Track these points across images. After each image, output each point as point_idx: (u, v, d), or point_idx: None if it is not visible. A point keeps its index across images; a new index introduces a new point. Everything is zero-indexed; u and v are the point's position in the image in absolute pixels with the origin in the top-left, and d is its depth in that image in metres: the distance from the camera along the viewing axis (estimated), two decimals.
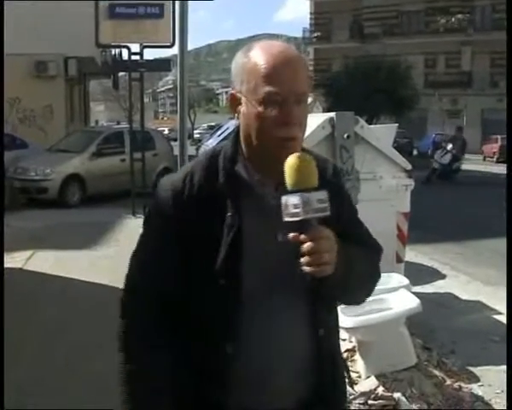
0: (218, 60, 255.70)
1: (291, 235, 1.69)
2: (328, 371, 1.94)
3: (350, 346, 5.52)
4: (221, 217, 1.83)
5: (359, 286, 1.99)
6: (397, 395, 4.72)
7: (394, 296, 5.38)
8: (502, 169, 23.53)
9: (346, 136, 6.46)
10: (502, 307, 7.21)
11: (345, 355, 5.41)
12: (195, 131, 57.87)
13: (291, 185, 1.68)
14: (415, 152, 40.08)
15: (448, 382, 5.28)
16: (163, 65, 18.34)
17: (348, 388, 4.72)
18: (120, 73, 26.12)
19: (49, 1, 20.34)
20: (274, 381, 1.85)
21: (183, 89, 8.28)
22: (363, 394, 4.76)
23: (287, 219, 1.68)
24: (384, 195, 6.82)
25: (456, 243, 12.19)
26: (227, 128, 20.40)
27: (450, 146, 24.19)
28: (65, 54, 22.72)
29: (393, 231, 6.94)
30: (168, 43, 13.96)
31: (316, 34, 56.36)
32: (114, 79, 26.54)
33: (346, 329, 5.14)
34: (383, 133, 7.46)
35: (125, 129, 18.59)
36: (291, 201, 1.66)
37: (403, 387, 4.87)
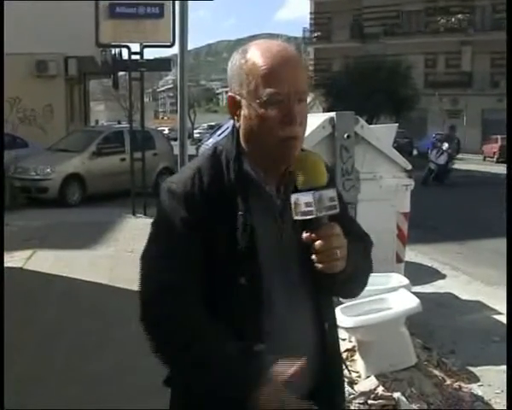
0: (218, 59, 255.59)
1: (305, 235, 1.72)
2: (332, 363, 1.96)
3: (350, 346, 5.52)
4: (232, 216, 1.84)
5: (358, 279, 2.02)
6: (397, 394, 4.72)
7: (394, 296, 5.38)
8: (502, 169, 23.51)
9: (346, 136, 6.47)
10: (502, 307, 7.21)
11: (345, 355, 5.41)
12: (195, 131, 57.88)
13: (302, 184, 1.72)
14: (415, 152, 40.10)
15: (448, 382, 5.28)
16: (163, 64, 18.35)
17: (348, 387, 4.74)
18: (120, 73, 26.13)
19: (50, 1, 20.30)
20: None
21: (183, 88, 8.29)
22: (362, 393, 4.76)
23: (298, 217, 1.71)
24: (384, 195, 6.82)
25: (457, 242, 12.19)
26: (227, 128, 20.31)
27: (446, 145, 23.51)
28: (65, 53, 22.71)
29: (393, 230, 6.95)
30: (168, 43, 13.96)
31: (316, 34, 56.34)
32: (114, 79, 26.55)
33: (346, 329, 5.14)
34: (383, 133, 7.47)
35: (125, 128, 18.59)
36: (303, 199, 1.69)
37: (403, 387, 4.87)
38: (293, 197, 1.71)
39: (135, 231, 11.67)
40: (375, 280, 5.35)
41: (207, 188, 1.86)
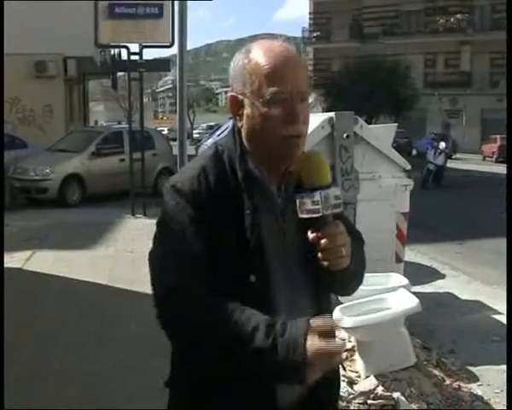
0: (218, 59, 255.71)
1: (311, 235, 1.74)
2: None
3: (349, 346, 5.52)
4: (239, 214, 1.84)
5: (356, 277, 2.05)
6: (396, 394, 4.72)
7: (393, 296, 5.38)
8: (501, 169, 23.54)
9: (345, 136, 6.47)
10: (501, 306, 7.22)
11: (344, 355, 5.41)
12: (195, 131, 57.82)
13: (307, 184, 1.74)
14: (414, 152, 40.12)
15: (447, 381, 5.28)
16: (162, 65, 18.33)
17: (348, 387, 4.74)
18: (119, 73, 26.14)
19: (49, 1, 20.29)
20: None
21: (182, 89, 8.29)
22: (362, 393, 4.76)
23: (304, 215, 1.72)
24: (383, 195, 6.82)
25: (456, 242, 12.20)
26: (226, 128, 20.36)
27: (443, 145, 23.10)
28: (64, 54, 22.70)
29: (393, 230, 6.95)
30: (167, 43, 13.97)
31: (315, 34, 56.36)
32: (113, 79, 26.54)
33: (346, 329, 5.14)
34: (382, 133, 7.47)
35: (124, 129, 18.58)
36: (309, 198, 1.72)
37: (402, 387, 4.87)
38: (299, 196, 1.73)
39: (134, 231, 11.68)
40: (375, 280, 5.37)
41: (214, 187, 1.86)
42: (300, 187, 1.79)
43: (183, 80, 8.33)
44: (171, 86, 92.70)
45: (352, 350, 5.46)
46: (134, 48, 14.54)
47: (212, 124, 55.46)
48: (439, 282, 9.16)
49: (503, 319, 6.82)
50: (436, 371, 5.39)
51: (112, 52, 25.49)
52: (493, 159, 39.53)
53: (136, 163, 14.62)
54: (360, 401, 4.69)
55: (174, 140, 13.43)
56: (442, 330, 6.88)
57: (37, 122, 22.89)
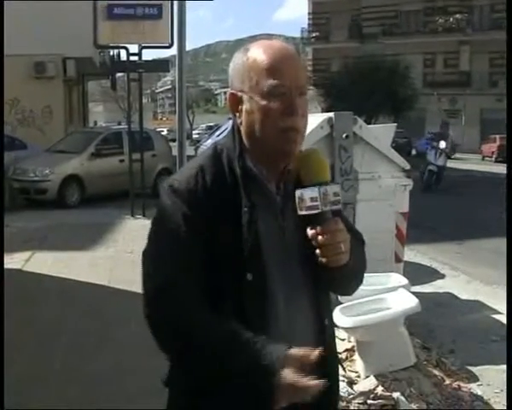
0: (217, 60, 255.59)
1: (310, 231, 1.75)
2: (328, 362, 1.95)
3: (349, 346, 5.52)
4: (237, 212, 1.85)
5: (356, 276, 2.05)
6: (396, 394, 4.73)
7: (393, 296, 5.38)
8: (501, 169, 23.54)
9: (344, 136, 6.47)
10: (501, 306, 7.22)
11: (344, 355, 5.41)
12: (194, 132, 57.78)
13: (306, 181, 1.75)
14: (413, 152, 40.12)
15: (447, 381, 5.28)
16: (161, 65, 18.33)
17: (347, 387, 4.74)
18: (119, 74, 26.14)
19: (48, 1, 20.27)
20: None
21: (181, 89, 8.29)
22: (362, 393, 4.77)
23: (303, 212, 1.73)
24: (383, 195, 6.82)
25: (456, 242, 12.20)
26: (226, 128, 20.37)
27: (443, 144, 21.55)
28: (63, 54, 22.69)
29: (392, 230, 6.94)
30: (166, 44, 13.97)
31: (314, 34, 56.38)
32: (112, 80, 26.54)
33: (345, 329, 5.15)
34: (382, 133, 7.47)
35: (123, 130, 18.58)
36: (308, 194, 1.72)
37: (402, 386, 4.87)
38: (298, 193, 1.74)
39: (134, 232, 11.67)
40: (374, 280, 5.37)
41: (211, 186, 1.87)
42: (300, 185, 1.79)
43: (183, 81, 8.32)
44: (170, 87, 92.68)
45: (351, 350, 5.46)
46: (133, 48, 14.57)
47: (211, 124, 55.47)
48: (439, 282, 9.16)
49: (503, 318, 6.82)
50: (436, 371, 5.39)
51: (111, 53, 25.53)
52: (492, 159, 39.55)
53: (136, 164, 14.62)
54: (360, 401, 4.69)
55: (173, 141, 13.44)
56: (442, 330, 6.88)
57: (37, 123, 22.88)
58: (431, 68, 51.87)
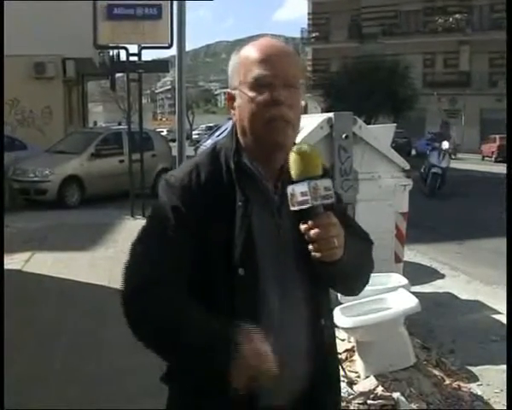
0: (217, 60, 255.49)
1: (302, 226, 1.73)
2: (328, 362, 1.96)
3: (349, 346, 5.52)
4: (231, 208, 1.86)
5: (357, 275, 2.04)
6: (396, 394, 4.72)
7: (393, 296, 5.38)
8: (501, 169, 23.53)
9: (344, 136, 6.47)
10: (501, 306, 7.22)
11: (344, 355, 5.42)
12: (194, 132, 57.79)
13: (297, 174, 1.73)
14: (413, 152, 40.10)
15: (447, 381, 5.28)
16: (161, 66, 18.32)
17: (347, 388, 4.74)
18: (118, 74, 26.07)
19: (48, 0, 20.26)
20: (284, 371, 1.85)
21: (181, 90, 8.29)
22: (362, 394, 4.77)
23: (294, 208, 1.72)
24: (382, 195, 6.83)
25: (456, 242, 12.19)
26: (225, 129, 20.36)
27: (446, 145, 20.22)
28: (63, 55, 22.68)
29: (392, 230, 6.95)
30: (166, 44, 13.98)
31: (314, 34, 56.37)
32: (112, 80, 26.53)
33: (345, 329, 5.15)
34: (381, 133, 7.47)
35: (123, 130, 18.59)
36: (298, 189, 1.71)
37: (402, 387, 4.87)
38: (290, 188, 1.73)
39: (134, 232, 11.55)
40: (374, 280, 5.35)
41: (206, 183, 1.89)
42: (291, 180, 1.78)
43: (182, 81, 8.32)
44: (170, 87, 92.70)
45: (351, 350, 5.46)
46: (133, 49, 14.59)
47: (211, 125, 55.51)
48: (439, 282, 9.16)
49: (503, 318, 6.82)
50: (436, 371, 5.39)
51: (111, 53, 25.48)
52: (492, 159, 39.54)
53: (136, 164, 14.63)
54: (360, 402, 4.69)
55: (173, 141, 13.42)
56: (442, 330, 6.88)
57: (37, 123, 22.88)
58: (431, 68, 51.86)
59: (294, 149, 1.76)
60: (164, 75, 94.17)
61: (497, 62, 42.23)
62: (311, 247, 1.73)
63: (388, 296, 5.38)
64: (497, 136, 37.86)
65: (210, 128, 47.22)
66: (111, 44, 16.46)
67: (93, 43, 14.84)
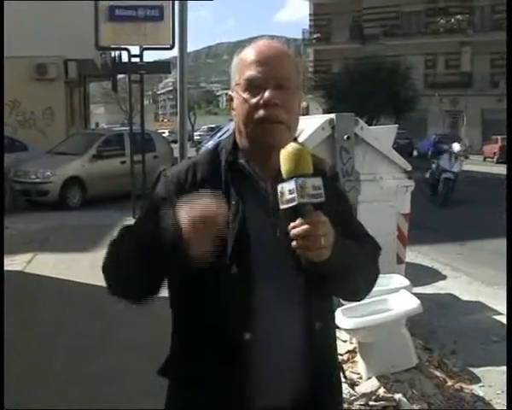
0: (218, 61, 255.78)
1: (290, 225, 1.70)
2: (322, 367, 1.94)
3: (351, 347, 5.53)
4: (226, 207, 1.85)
5: (358, 280, 2.00)
6: (398, 395, 4.72)
7: (395, 297, 5.39)
8: (502, 170, 23.46)
9: (346, 137, 6.47)
10: (502, 307, 7.21)
11: (346, 357, 5.42)
12: (195, 133, 57.91)
13: (286, 173, 1.72)
14: (415, 153, 40.08)
15: (449, 382, 5.28)
16: (163, 67, 18.32)
17: (349, 389, 4.74)
18: (120, 76, 26.16)
19: (49, 1, 20.29)
20: (273, 373, 1.86)
21: (182, 91, 8.28)
22: (364, 395, 4.76)
23: (283, 206, 1.70)
24: (384, 196, 6.82)
25: (457, 243, 12.20)
26: (227, 130, 20.34)
27: (457, 147, 18.60)
28: (65, 56, 22.71)
29: (394, 231, 6.95)
30: (168, 46, 13.99)
31: (316, 35, 56.38)
32: (114, 82, 26.55)
33: (347, 330, 5.15)
34: (383, 134, 7.47)
35: (125, 131, 18.61)
36: (286, 187, 1.69)
37: (404, 388, 4.87)
38: (279, 186, 1.72)
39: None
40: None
41: (201, 180, 1.91)
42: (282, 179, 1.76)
43: (184, 82, 8.31)
44: (171, 88, 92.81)
45: (353, 352, 5.46)
46: (135, 50, 14.60)
47: (212, 126, 55.60)
48: (441, 283, 9.16)
49: (505, 319, 6.82)
50: (438, 373, 5.39)
51: (112, 54, 25.54)
52: (494, 160, 39.47)
53: (137, 165, 14.63)
54: (362, 403, 4.69)
55: (175, 142, 13.42)
56: (443, 331, 6.87)
57: (38, 125, 22.90)
58: (432, 69, 51.86)
59: (285, 147, 1.75)
60: (165, 76, 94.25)
61: (498, 63, 42.16)
62: (294, 243, 1.69)
63: (390, 297, 5.38)
64: (499, 137, 37.80)
65: (211, 129, 47.28)
66: (113, 46, 16.49)
67: (95, 44, 14.85)
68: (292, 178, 1.69)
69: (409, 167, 7.09)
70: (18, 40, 19.16)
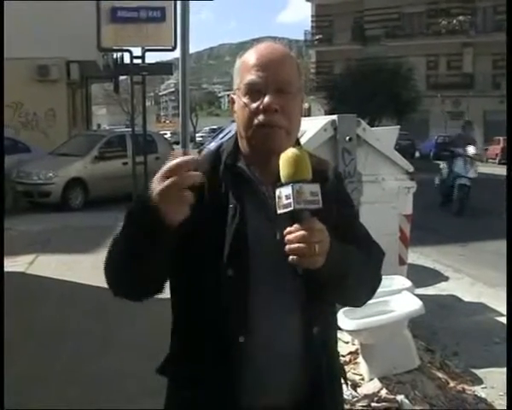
0: (220, 63, 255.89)
1: (285, 231, 1.69)
2: (320, 372, 1.92)
3: (353, 348, 5.52)
4: (223, 209, 1.86)
5: (357, 286, 1.97)
6: (400, 397, 4.72)
7: (397, 299, 5.38)
8: (504, 171, 23.40)
9: (348, 138, 6.47)
10: (504, 308, 7.19)
11: (348, 358, 5.41)
12: (197, 135, 57.99)
13: (284, 178, 1.70)
14: (417, 154, 40.05)
15: (451, 384, 5.27)
16: (165, 68, 18.34)
17: (351, 390, 4.74)
18: (122, 77, 26.16)
19: (51, 1, 20.30)
20: (270, 376, 1.86)
21: (184, 92, 8.27)
22: (366, 396, 4.76)
23: (280, 211, 1.69)
24: (386, 197, 6.82)
25: (459, 244, 12.18)
26: (229, 131, 20.35)
27: (472, 150, 16.62)
28: (67, 58, 22.73)
29: (396, 233, 6.94)
30: (170, 47, 14.00)
31: (317, 37, 56.42)
32: (116, 83, 26.58)
33: (349, 331, 5.14)
34: (385, 135, 7.47)
35: (127, 132, 18.62)
36: (283, 192, 1.68)
37: (406, 389, 4.87)
38: (277, 191, 1.70)
39: None
40: None
41: (200, 182, 1.86)
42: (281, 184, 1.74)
43: (186, 84, 8.30)
44: (173, 90, 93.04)
45: (355, 353, 5.46)
46: (136, 51, 14.64)
47: (214, 127, 55.63)
48: (443, 284, 9.15)
49: None
50: (440, 374, 5.38)
51: (114, 56, 25.54)
52: (496, 161, 39.43)
53: (139, 166, 14.63)
54: (364, 404, 4.69)
55: (177, 143, 13.44)
56: (445, 333, 6.87)
57: (40, 126, 22.91)
58: (434, 70, 51.87)
59: (285, 152, 1.74)
60: (167, 78, 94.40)
61: (500, 64, 42.17)
62: (288, 248, 1.67)
63: (392, 299, 5.37)
64: (501, 138, 37.78)
65: (213, 130, 47.30)
66: (115, 47, 16.49)
67: (97, 45, 14.87)
68: (289, 183, 1.68)
69: (411, 169, 7.09)
70: (20, 41, 19.19)
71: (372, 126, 9.64)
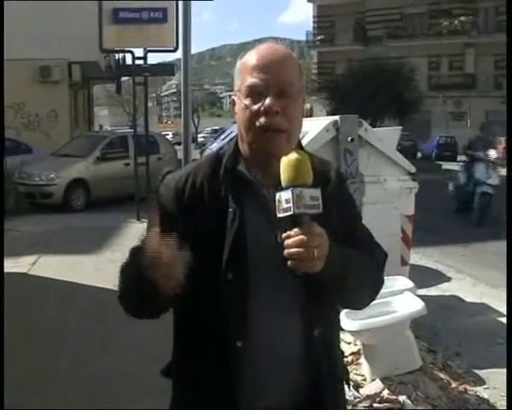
0: (222, 63, 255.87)
1: (284, 235, 1.68)
2: (322, 373, 1.92)
3: (355, 349, 5.52)
4: (223, 213, 1.86)
5: (358, 289, 1.96)
6: (402, 397, 4.72)
7: (399, 299, 5.38)
8: (504, 171, 23.36)
9: (350, 139, 6.47)
10: None
11: (350, 359, 5.41)
12: (199, 135, 57.93)
13: (285, 181, 1.70)
14: (419, 155, 40.02)
15: (453, 384, 5.27)
16: (167, 69, 18.35)
17: (353, 391, 4.73)
18: (124, 78, 26.18)
19: (53, 2, 20.32)
20: (270, 379, 1.87)
21: (186, 93, 8.29)
22: (368, 397, 4.76)
23: (280, 215, 1.69)
24: (388, 198, 6.82)
25: (461, 245, 12.17)
26: (231, 132, 20.35)
27: (494, 154, 15.92)
28: (68, 59, 22.75)
29: (398, 233, 6.94)
30: (171, 48, 13.99)
31: (319, 37, 56.42)
32: (118, 84, 26.60)
33: (351, 332, 5.14)
34: (387, 136, 7.46)
35: (129, 133, 18.62)
36: (283, 196, 1.68)
37: (408, 390, 4.87)
38: (277, 195, 1.70)
39: (139, 235, 11.64)
40: None
41: (201, 186, 1.90)
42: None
43: (188, 84, 8.32)
44: (175, 90, 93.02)
45: (357, 354, 5.46)
46: (138, 52, 14.65)
47: (216, 128, 55.55)
48: (445, 285, 9.15)
49: None
50: (442, 375, 5.38)
51: (116, 57, 25.58)
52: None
53: (141, 167, 14.65)
54: (366, 405, 4.68)
55: (179, 144, 13.42)
56: (447, 333, 6.87)
57: (42, 127, 22.93)
58: (436, 71, 51.84)
59: (286, 155, 1.74)
60: (169, 78, 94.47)
61: (502, 64, 42.11)
62: (286, 252, 1.67)
63: (394, 299, 5.37)
64: (503, 138, 37.72)
65: (215, 131, 47.26)
66: (117, 48, 16.49)
67: (99, 46, 14.86)
68: (290, 187, 1.68)
69: (413, 169, 7.09)
70: (22, 42, 19.21)
71: (374, 127, 9.65)
